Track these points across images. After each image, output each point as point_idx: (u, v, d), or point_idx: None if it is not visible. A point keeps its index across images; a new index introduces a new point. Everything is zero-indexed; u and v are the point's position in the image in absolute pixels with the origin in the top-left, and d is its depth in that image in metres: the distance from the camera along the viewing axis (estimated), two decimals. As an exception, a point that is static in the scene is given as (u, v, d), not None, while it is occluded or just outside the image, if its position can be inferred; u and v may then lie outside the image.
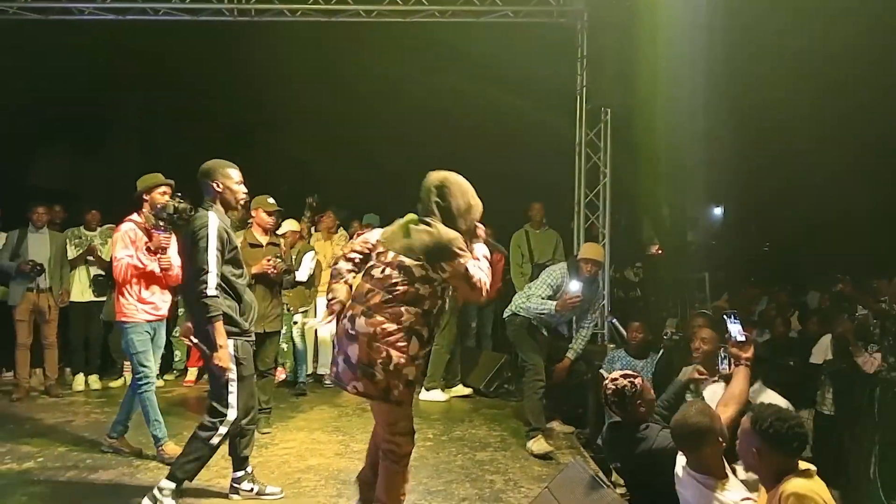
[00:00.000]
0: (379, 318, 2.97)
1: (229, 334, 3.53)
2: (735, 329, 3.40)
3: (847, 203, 10.98)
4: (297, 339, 6.63)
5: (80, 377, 6.57)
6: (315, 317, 6.83)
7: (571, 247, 7.30)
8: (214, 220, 3.52)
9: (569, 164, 7.62)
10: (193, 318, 3.66)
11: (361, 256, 3.24)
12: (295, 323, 6.61)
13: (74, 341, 6.65)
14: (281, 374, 6.70)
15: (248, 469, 3.94)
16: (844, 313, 6.08)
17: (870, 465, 5.46)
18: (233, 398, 3.58)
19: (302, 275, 6.34)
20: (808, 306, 7.38)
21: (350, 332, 3.03)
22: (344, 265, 3.23)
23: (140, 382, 4.45)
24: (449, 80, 9.67)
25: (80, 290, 6.64)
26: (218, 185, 3.64)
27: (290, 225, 6.47)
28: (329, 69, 9.95)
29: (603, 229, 7.45)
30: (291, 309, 6.47)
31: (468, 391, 6.64)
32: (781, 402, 3.59)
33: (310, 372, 6.83)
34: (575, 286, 5.07)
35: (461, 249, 3.04)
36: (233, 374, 3.55)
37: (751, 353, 3.35)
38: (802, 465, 2.56)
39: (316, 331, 6.84)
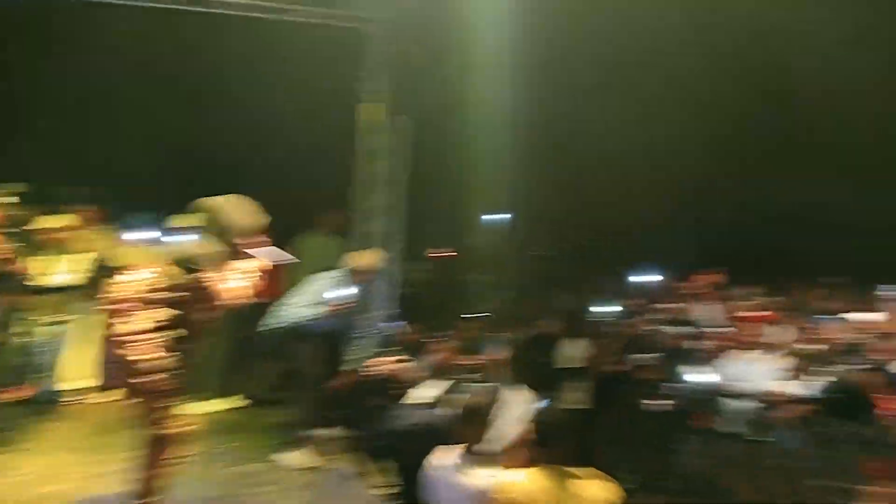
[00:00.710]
0: (131, 323, 3.33)
1: None
2: None
3: (633, 213, 12.07)
4: (44, 351, 5.93)
5: None
6: (69, 327, 6.15)
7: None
8: None
9: (356, 171, 7.67)
10: None
11: (134, 270, 3.56)
12: (51, 335, 5.95)
13: None
14: (21, 392, 5.91)
15: None
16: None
17: (604, 454, 6.17)
18: None
19: (57, 279, 5.90)
20: (562, 308, 8.05)
21: (112, 336, 3.44)
22: (124, 276, 3.53)
23: None
24: (234, 80, 9.27)
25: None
26: None
27: (52, 222, 5.99)
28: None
29: (387, 236, 7.58)
30: (39, 318, 5.87)
31: (238, 402, 6.44)
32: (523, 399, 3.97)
33: (57, 388, 6.08)
34: (342, 293, 5.13)
35: (202, 269, 3.38)
36: None
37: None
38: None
39: (63, 343, 6.17)
